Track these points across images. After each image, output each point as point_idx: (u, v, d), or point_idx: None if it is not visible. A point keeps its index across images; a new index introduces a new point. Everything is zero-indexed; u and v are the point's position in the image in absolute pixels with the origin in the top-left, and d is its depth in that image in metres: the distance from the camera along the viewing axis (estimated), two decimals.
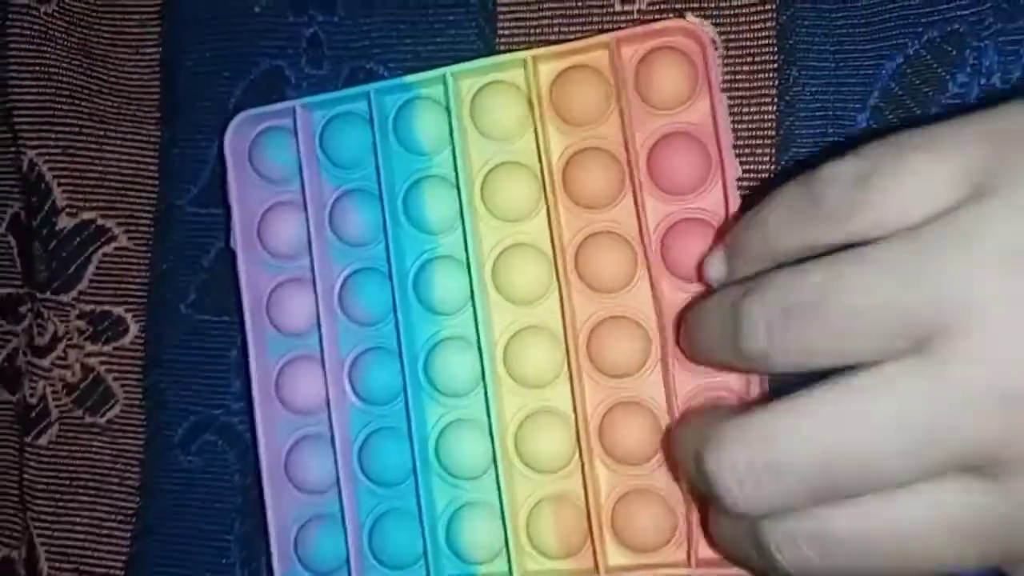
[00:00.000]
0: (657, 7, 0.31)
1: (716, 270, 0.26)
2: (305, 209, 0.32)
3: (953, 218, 0.19)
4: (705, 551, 0.29)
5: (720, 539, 0.24)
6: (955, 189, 0.19)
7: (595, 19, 0.32)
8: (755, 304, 0.21)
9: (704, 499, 0.25)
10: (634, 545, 0.30)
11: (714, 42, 0.29)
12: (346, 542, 0.31)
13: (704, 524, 0.28)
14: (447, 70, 0.31)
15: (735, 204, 0.29)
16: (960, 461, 0.19)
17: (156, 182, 0.36)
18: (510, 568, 0.30)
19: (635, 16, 0.32)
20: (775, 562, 0.21)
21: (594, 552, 0.30)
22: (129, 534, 0.35)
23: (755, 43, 0.31)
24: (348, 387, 0.32)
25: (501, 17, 0.33)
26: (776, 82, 0.30)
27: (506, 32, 0.33)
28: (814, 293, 0.20)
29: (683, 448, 0.24)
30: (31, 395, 0.36)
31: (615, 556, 0.30)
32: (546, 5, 0.33)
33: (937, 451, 0.19)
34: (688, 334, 0.26)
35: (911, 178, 0.20)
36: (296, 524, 0.32)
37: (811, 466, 0.20)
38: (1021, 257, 0.18)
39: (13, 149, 0.36)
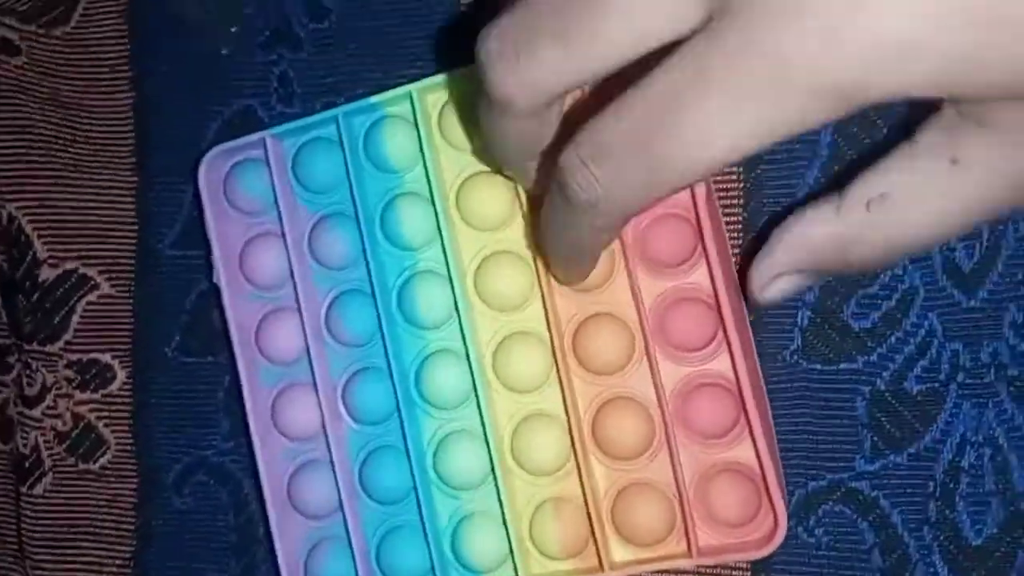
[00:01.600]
0: None
1: None
2: (284, 238, 0.32)
3: None
4: (704, 540, 0.30)
5: (544, 225, 0.24)
6: None
7: None
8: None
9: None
10: (636, 540, 0.30)
11: None
12: (354, 562, 0.31)
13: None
14: (412, 87, 0.32)
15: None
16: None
17: (135, 227, 0.37)
18: (516, 573, 0.30)
19: None
20: (575, 199, 0.21)
21: (597, 550, 0.30)
22: None
23: None
24: (343, 410, 0.33)
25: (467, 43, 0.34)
26: None
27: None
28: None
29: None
30: (24, 445, 0.36)
31: (618, 552, 0.30)
32: None
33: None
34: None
35: None
36: (304, 549, 0.33)
37: (558, 12, 0.20)
38: None
39: None
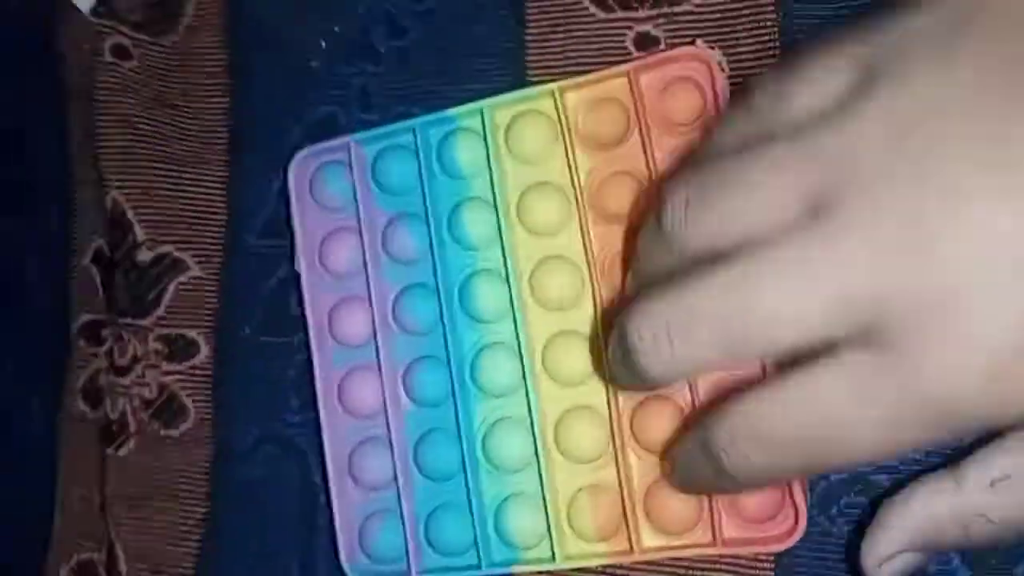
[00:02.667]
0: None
1: None
2: (360, 233, 0.36)
3: (841, 101, 0.21)
4: (729, 531, 0.32)
5: (681, 469, 0.26)
6: (848, 84, 0.21)
7: (613, 56, 0.36)
8: (676, 183, 0.23)
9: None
10: (665, 528, 0.32)
11: (721, 66, 0.33)
12: (404, 533, 0.34)
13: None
14: (484, 103, 0.35)
15: None
16: (851, 316, 0.19)
17: (224, 217, 0.40)
18: (552, 552, 0.33)
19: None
20: (723, 467, 0.23)
21: (628, 535, 0.32)
22: (199, 538, 0.39)
23: None
24: (403, 392, 0.36)
25: (529, 63, 0.37)
26: None
27: (535, 77, 0.37)
28: (725, 169, 0.22)
29: (613, 340, 0.25)
30: (112, 411, 0.39)
31: (648, 538, 0.33)
32: (570, 47, 0.36)
33: (828, 304, 0.20)
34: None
35: (812, 77, 0.22)
36: (360, 518, 0.35)
37: (719, 321, 0.21)
38: (895, 127, 0.19)
39: (98, 190, 0.40)
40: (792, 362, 0.21)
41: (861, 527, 0.31)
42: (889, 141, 0.19)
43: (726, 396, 0.23)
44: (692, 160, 0.26)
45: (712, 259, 0.22)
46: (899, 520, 0.25)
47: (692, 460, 0.25)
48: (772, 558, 0.32)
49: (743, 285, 0.21)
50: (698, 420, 0.24)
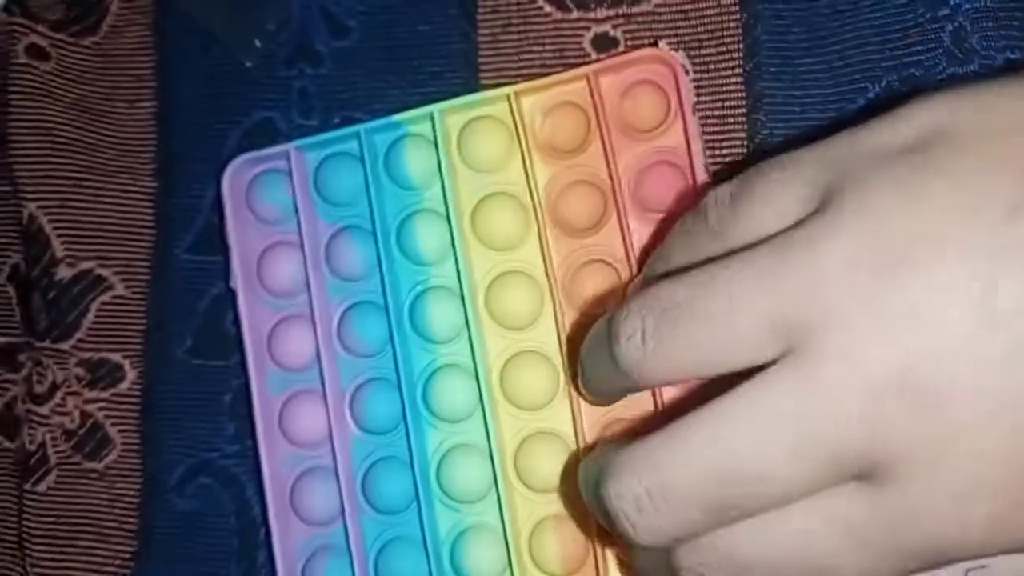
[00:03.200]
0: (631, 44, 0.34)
1: None
2: (302, 247, 0.33)
3: (800, 226, 0.20)
4: None
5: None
6: (805, 204, 0.20)
7: (570, 58, 0.34)
8: (628, 313, 0.21)
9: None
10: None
11: (685, 68, 0.31)
12: (352, 571, 0.32)
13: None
14: (434, 107, 0.32)
15: None
16: (842, 466, 0.19)
17: (152, 231, 0.37)
18: None
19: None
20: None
21: (596, 566, 0.30)
22: None
23: (724, 90, 0.33)
24: (349, 418, 0.33)
25: (482, 65, 0.35)
26: (744, 126, 0.33)
27: (488, 79, 0.35)
28: (682, 297, 0.21)
29: (584, 484, 0.24)
30: (30, 442, 0.36)
31: (615, 570, 0.31)
32: (524, 48, 0.34)
33: (817, 456, 0.19)
34: (578, 364, 0.26)
35: (770, 196, 0.21)
36: (303, 556, 0.33)
37: (701, 484, 0.20)
38: (864, 259, 0.19)
39: (13, 202, 0.37)
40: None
41: None
42: (860, 273, 0.19)
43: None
44: (650, 271, 0.25)
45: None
46: None
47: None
48: None
49: (716, 439, 0.20)
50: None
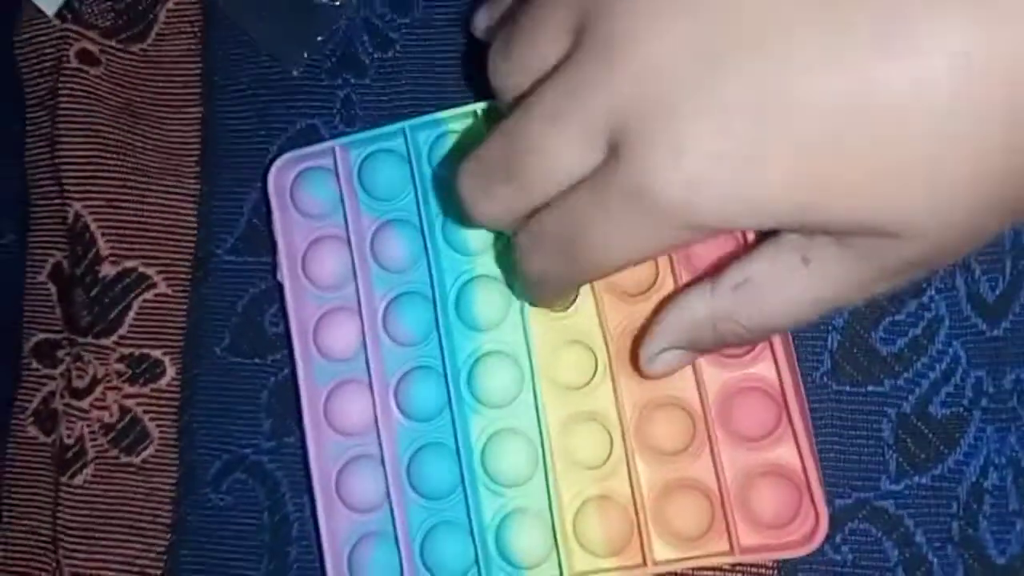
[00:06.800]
0: None
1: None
2: (348, 240, 0.34)
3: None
4: (746, 538, 0.31)
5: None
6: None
7: None
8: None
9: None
10: (678, 537, 0.31)
11: None
12: (399, 557, 0.32)
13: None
14: (477, 106, 0.34)
15: None
16: (599, 147, 0.21)
17: (194, 232, 0.38)
18: (560, 570, 0.31)
19: None
20: (520, 269, 0.26)
21: (641, 547, 0.31)
22: (160, 572, 0.36)
23: None
24: (394, 406, 0.34)
25: None
26: None
27: None
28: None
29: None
30: (68, 436, 0.36)
31: (661, 550, 0.31)
32: None
33: (580, 118, 0.21)
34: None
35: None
36: (349, 543, 0.33)
37: (504, 159, 0.24)
38: None
39: (57, 202, 0.38)
40: None
41: (866, 554, 0.30)
42: None
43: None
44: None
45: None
46: (668, 319, 0.27)
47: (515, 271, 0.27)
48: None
49: (515, 129, 0.23)
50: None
